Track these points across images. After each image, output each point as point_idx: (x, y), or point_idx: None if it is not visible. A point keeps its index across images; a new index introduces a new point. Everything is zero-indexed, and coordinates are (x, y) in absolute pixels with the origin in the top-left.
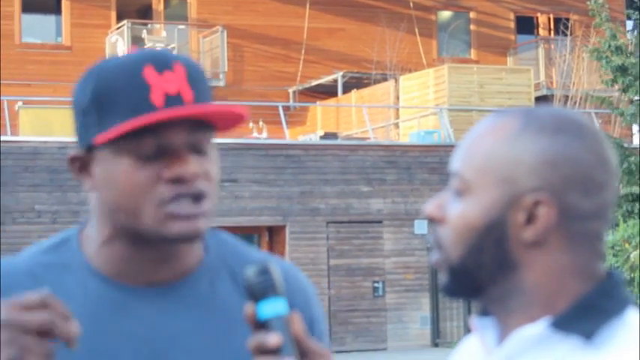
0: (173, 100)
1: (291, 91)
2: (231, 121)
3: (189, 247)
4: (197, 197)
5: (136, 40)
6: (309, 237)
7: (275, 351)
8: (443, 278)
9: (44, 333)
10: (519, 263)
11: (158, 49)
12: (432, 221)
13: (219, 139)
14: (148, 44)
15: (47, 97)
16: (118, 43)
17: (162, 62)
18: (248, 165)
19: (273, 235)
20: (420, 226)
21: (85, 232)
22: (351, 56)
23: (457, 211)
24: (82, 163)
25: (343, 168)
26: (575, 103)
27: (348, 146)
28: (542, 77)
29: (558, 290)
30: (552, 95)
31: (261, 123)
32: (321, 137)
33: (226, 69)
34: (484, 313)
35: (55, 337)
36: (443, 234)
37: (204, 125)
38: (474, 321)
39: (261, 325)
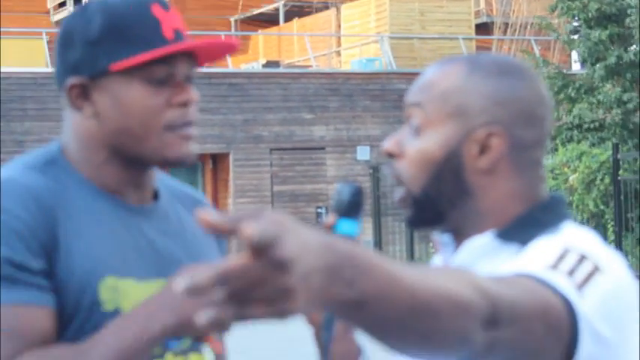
0: (178, 34)
1: (233, 20)
2: (221, 53)
3: (153, 173)
4: (193, 123)
5: None
6: (252, 164)
7: None
8: (407, 212)
9: None
10: (475, 189)
11: None
12: (391, 157)
13: None
14: None
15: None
16: None
17: (164, 2)
18: None
19: (217, 163)
20: (363, 152)
21: (67, 153)
22: None
23: (415, 147)
24: (81, 90)
25: (286, 96)
26: (515, 30)
27: (290, 74)
28: (483, 5)
29: (507, 211)
30: (492, 23)
31: None
32: (264, 65)
33: None
34: (444, 231)
35: None
36: (402, 169)
37: (194, 58)
38: (437, 237)
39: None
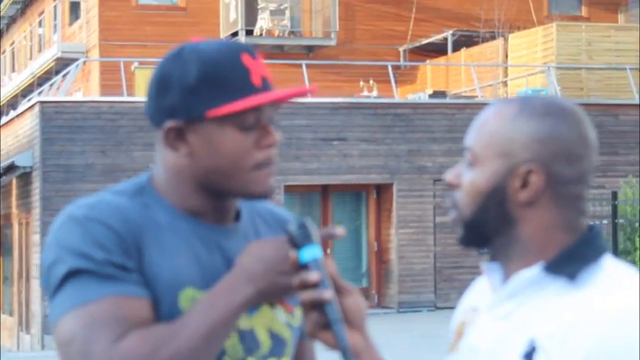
0: (266, 82)
1: (401, 49)
2: (300, 96)
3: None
4: (275, 161)
5: (249, 2)
6: (416, 194)
7: (315, 286)
8: (458, 232)
9: None
10: (517, 219)
11: (271, 8)
12: (450, 187)
13: (329, 99)
14: (261, 4)
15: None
16: (231, 3)
17: (252, 51)
18: (357, 124)
19: (380, 193)
20: None
21: (155, 182)
22: (460, 14)
23: (469, 179)
24: (178, 133)
25: (450, 126)
26: None
27: (456, 105)
28: None
29: (548, 241)
30: None
31: (371, 82)
32: (430, 96)
33: (337, 28)
34: (492, 260)
35: None
36: (458, 197)
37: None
38: (484, 265)
39: (302, 267)
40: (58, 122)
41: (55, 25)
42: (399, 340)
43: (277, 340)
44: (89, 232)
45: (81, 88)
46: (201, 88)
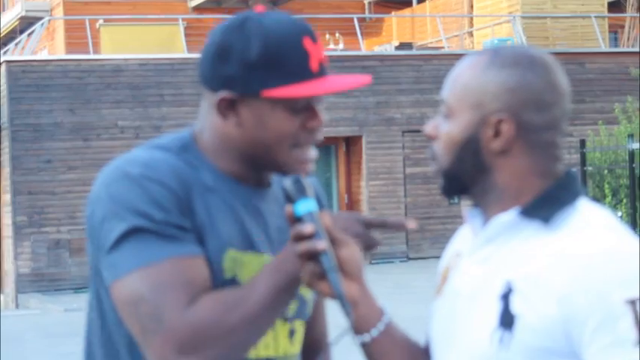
0: (322, 67)
1: (366, 2)
2: (356, 86)
3: None
4: (317, 142)
5: None
6: (385, 146)
7: (310, 237)
8: (439, 182)
9: None
10: (492, 168)
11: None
12: (429, 138)
13: None
14: None
15: (127, 14)
16: None
17: (313, 34)
18: None
19: (350, 145)
20: None
21: (199, 141)
22: None
23: (445, 131)
24: (230, 103)
25: (418, 78)
26: None
27: (422, 56)
28: None
29: (524, 187)
30: (625, 0)
31: (337, 35)
32: (396, 48)
33: None
34: (474, 206)
35: None
36: (436, 148)
37: None
38: (466, 211)
39: (297, 220)
40: (25, 81)
41: None
42: (372, 291)
43: (302, 302)
44: (148, 191)
45: (46, 46)
46: (261, 66)
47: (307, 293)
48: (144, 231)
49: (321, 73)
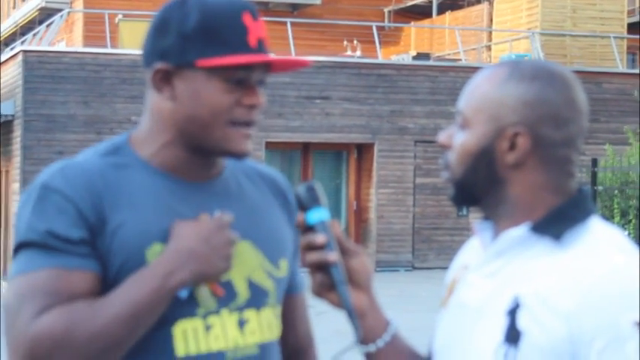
0: (261, 44)
1: (386, 10)
2: (294, 67)
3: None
4: (254, 124)
5: None
6: (396, 155)
7: (321, 248)
8: (450, 191)
9: None
10: (505, 180)
11: None
12: (443, 147)
13: (313, 57)
14: None
15: (147, 10)
16: None
17: (254, 11)
18: (340, 83)
19: (361, 153)
20: None
21: (133, 140)
22: None
23: (459, 141)
24: (165, 75)
25: (433, 89)
26: None
27: (439, 67)
28: (638, 3)
29: (536, 202)
30: None
31: (355, 42)
32: (414, 57)
33: None
34: (484, 219)
35: None
36: (450, 157)
37: (269, 66)
38: (475, 224)
39: (309, 229)
40: (41, 72)
41: None
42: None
43: (257, 291)
44: (42, 203)
45: (64, 38)
46: (197, 36)
47: (266, 282)
48: (29, 245)
49: (259, 49)
